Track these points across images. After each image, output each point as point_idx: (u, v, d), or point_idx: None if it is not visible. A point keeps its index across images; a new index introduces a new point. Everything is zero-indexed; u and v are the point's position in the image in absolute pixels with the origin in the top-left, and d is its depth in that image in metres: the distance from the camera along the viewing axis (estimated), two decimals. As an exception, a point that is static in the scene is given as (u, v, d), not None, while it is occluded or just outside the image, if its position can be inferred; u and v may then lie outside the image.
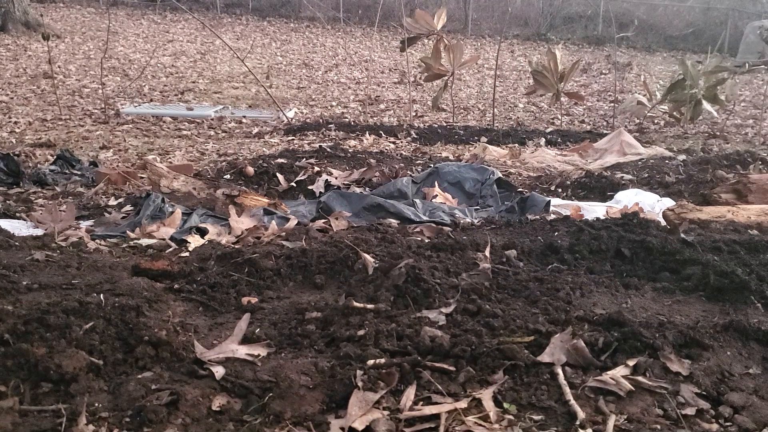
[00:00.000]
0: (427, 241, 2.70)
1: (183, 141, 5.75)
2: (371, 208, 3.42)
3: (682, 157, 4.98)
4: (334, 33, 15.88)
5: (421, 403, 1.49)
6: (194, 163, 4.74)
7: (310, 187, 4.00)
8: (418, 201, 3.56)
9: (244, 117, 6.94)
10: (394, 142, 5.80)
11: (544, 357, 1.63)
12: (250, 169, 4.16)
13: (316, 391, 1.50)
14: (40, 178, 4.09)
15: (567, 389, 1.52)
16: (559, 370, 1.59)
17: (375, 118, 7.24)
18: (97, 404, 1.45)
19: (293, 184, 4.06)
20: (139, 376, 1.57)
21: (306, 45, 13.90)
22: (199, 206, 3.36)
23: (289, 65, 11.16)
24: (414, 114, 7.51)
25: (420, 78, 8.34)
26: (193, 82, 9.05)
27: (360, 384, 1.50)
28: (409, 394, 1.51)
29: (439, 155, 5.31)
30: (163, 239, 2.90)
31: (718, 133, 6.66)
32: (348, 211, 3.39)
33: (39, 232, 2.98)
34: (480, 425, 1.41)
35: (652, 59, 14.71)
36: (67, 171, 4.27)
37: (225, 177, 4.16)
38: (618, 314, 1.82)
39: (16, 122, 6.08)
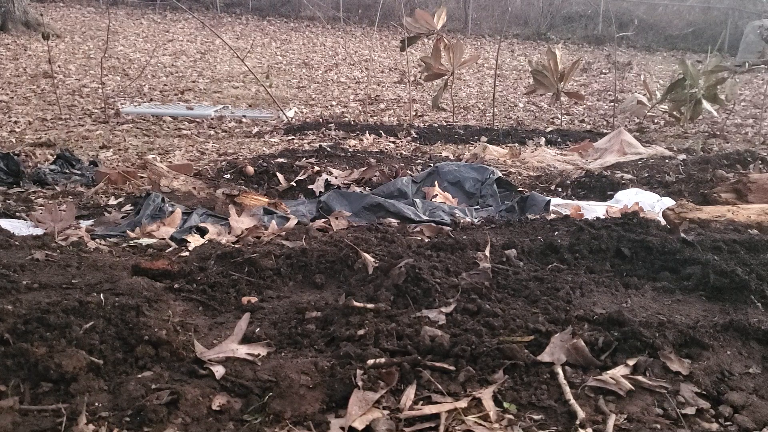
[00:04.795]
0: (427, 240, 2.70)
1: (183, 140, 5.75)
2: (371, 208, 3.42)
3: (682, 156, 4.97)
4: (334, 32, 15.87)
5: (421, 402, 1.49)
6: (194, 162, 4.74)
7: (310, 187, 4.01)
8: (418, 200, 3.56)
9: (244, 116, 6.94)
10: (394, 142, 5.80)
11: (544, 356, 1.63)
12: (250, 169, 4.16)
13: (316, 391, 1.50)
14: (40, 178, 4.09)
15: (567, 389, 1.52)
16: (559, 370, 1.59)
17: (375, 118, 7.24)
18: (97, 404, 1.45)
19: (293, 183, 4.06)
20: (139, 376, 1.57)
21: (306, 44, 13.89)
22: (199, 206, 3.36)
23: (289, 65, 11.15)
24: (414, 113, 7.51)
25: (420, 77, 8.34)
26: (193, 82, 9.05)
27: (360, 383, 1.49)
28: (409, 393, 1.50)
29: (439, 155, 5.31)
30: (163, 239, 2.90)
31: (718, 133, 6.66)
32: (348, 210, 3.39)
33: (39, 231, 2.98)
34: (480, 425, 1.41)
35: (652, 59, 14.70)
36: (67, 170, 4.27)
37: (225, 176, 4.16)
38: (618, 314, 1.81)
39: (16, 122, 6.08)
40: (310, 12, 16.76)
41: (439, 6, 6.92)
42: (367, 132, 5.96)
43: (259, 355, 1.70)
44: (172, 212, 3.12)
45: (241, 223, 3.08)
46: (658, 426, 1.41)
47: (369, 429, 1.39)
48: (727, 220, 3.00)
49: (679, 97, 6.72)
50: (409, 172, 4.34)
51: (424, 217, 3.32)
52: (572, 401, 1.47)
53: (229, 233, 3.00)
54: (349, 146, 5.31)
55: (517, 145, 5.65)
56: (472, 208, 3.67)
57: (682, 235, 2.59)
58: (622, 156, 4.94)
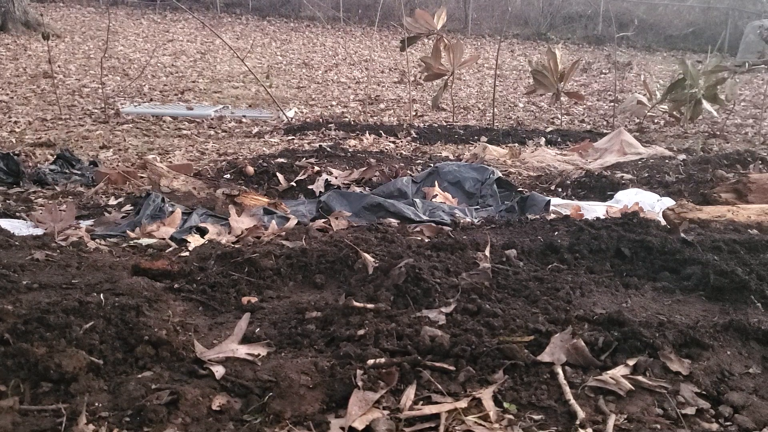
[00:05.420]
0: (427, 240, 2.70)
1: (183, 140, 5.75)
2: (371, 208, 3.42)
3: (682, 156, 4.97)
4: (334, 32, 15.87)
5: (421, 402, 1.49)
6: (194, 162, 4.74)
7: (310, 187, 4.01)
8: (418, 200, 3.56)
9: (244, 116, 6.94)
10: (394, 142, 5.80)
11: (544, 356, 1.63)
12: (250, 169, 4.16)
13: (316, 391, 1.50)
14: (40, 178, 4.09)
15: (567, 389, 1.52)
16: (559, 370, 1.59)
17: (375, 118, 7.24)
18: (97, 404, 1.45)
19: (293, 183, 4.06)
20: (139, 376, 1.57)
21: (306, 44, 13.89)
22: (199, 206, 3.36)
23: (289, 65, 11.15)
24: (414, 113, 7.50)
25: (420, 77, 8.34)
26: (193, 82, 9.05)
27: (360, 383, 1.49)
28: (409, 393, 1.50)
29: (439, 155, 5.31)
30: (163, 239, 2.90)
31: (718, 133, 6.66)
32: (348, 210, 3.39)
33: (39, 231, 2.98)
34: (480, 425, 1.41)
35: (652, 59, 14.70)
36: (67, 170, 4.27)
37: (225, 176, 4.16)
38: (618, 314, 1.81)
39: (16, 122, 6.08)
40: (310, 12, 16.76)
41: (439, 6, 6.92)
42: (367, 132, 5.96)
43: (259, 355, 1.70)
44: (172, 212, 3.12)
45: (241, 223, 3.08)
46: (658, 426, 1.41)
47: (369, 429, 1.39)
48: (727, 220, 3.00)
49: (679, 97, 6.71)
50: (409, 172, 4.34)
51: (424, 217, 3.32)
52: (572, 401, 1.47)
53: (229, 233, 3.00)
54: (349, 146, 5.31)
55: (517, 145, 5.65)
56: (472, 208, 3.67)
57: (682, 235, 2.59)
58: (622, 156, 4.94)
